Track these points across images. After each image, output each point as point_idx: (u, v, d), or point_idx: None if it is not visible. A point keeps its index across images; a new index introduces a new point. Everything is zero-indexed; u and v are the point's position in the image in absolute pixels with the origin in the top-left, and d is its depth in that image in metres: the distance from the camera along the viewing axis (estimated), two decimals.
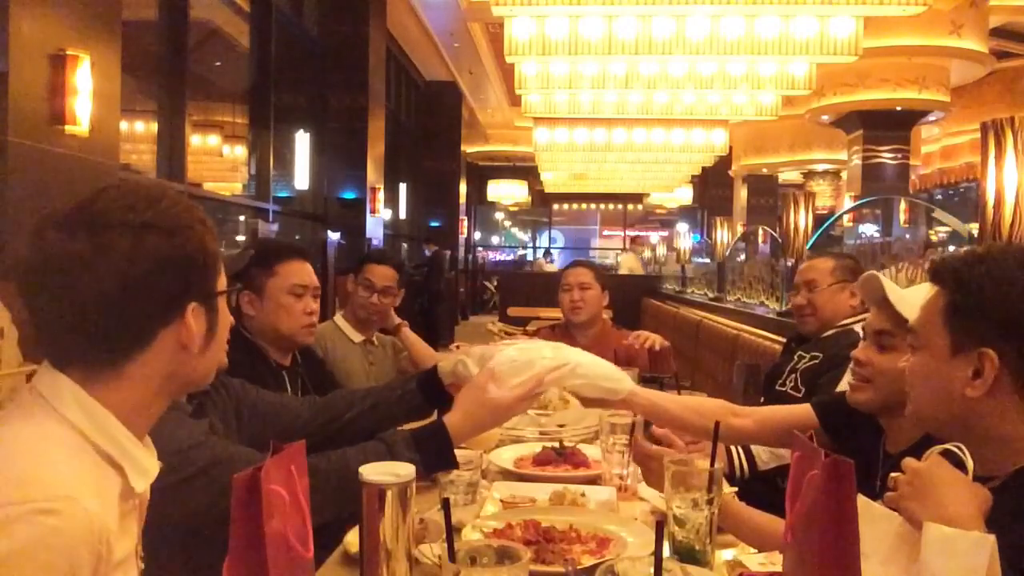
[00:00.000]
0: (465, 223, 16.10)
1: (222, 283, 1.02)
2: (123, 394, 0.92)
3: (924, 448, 1.13)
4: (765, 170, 14.60)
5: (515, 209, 22.94)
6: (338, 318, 3.01)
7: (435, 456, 1.41)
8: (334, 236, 7.92)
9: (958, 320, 1.14)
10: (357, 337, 2.96)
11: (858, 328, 2.36)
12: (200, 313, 0.97)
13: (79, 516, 0.81)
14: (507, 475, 1.89)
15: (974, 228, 3.74)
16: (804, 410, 1.80)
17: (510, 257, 23.52)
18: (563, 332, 3.25)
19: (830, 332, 2.45)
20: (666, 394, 1.73)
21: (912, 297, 1.45)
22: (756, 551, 1.42)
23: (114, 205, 0.92)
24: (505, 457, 1.99)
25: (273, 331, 2.14)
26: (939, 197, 15.07)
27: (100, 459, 0.89)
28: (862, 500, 0.95)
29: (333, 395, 1.86)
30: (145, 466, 0.94)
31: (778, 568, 1.22)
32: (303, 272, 2.17)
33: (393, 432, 1.46)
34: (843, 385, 2.12)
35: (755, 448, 2.14)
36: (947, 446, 1.07)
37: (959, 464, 1.05)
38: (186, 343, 0.95)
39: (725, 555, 1.41)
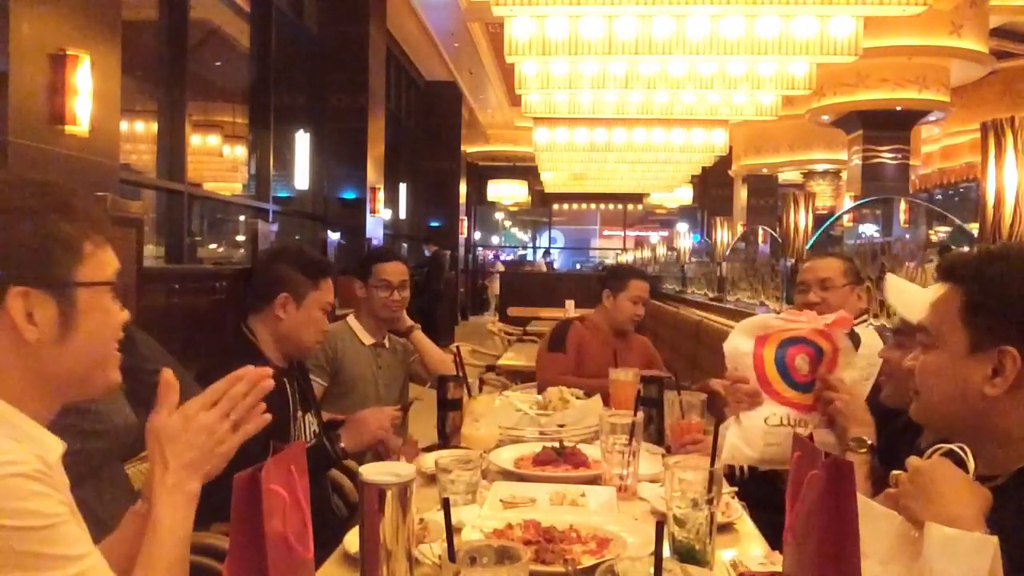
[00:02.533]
0: (465, 223, 16.11)
1: (90, 275, 0.99)
2: None
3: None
4: (765, 170, 14.61)
5: (515, 209, 22.95)
6: (351, 319, 2.98)
7: None
8: (334, 236, 7.92)
9: (977, 318, 1.12)
10: (368, 340, 2.94)
11: (858, 330, 2.36)
12: (43, 301, 0.94)
13: (28, 459, 0.87)
14: (507, 475, 1.89)
15: (974, 228, 3.74)
16: None
17: (509, 257, 23.55)
18: (598, 330, 3.36)
19: None
20: None
21: (911, 295, 1.46)
22: (756, 552, 1.42)
23: None
24: (505, 457, 1.99)
25: (295, 339, 2.17)
26: (939, 197, 15.07)
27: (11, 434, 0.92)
28: (862, 500, 0.95)
29: None
30: (48, 445, 0.95)
31: (778, 568, 1.22)
32: (332, 291, 2.24)
33: None
34: None
35: None
36: (950, 446, 1.07)
37: (960, 464, 1.05)
38: (18, 328, 0.93)
39: (725, 555, 1.41)
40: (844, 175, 12.71)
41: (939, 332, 1.18)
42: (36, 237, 0.94)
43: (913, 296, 1.47)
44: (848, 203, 10.83)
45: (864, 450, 1.46)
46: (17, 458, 0.87)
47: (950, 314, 1.15)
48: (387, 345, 3.02)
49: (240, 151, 7.56)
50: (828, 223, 6.25)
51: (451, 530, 1.06)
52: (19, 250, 0.93)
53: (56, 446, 0.97)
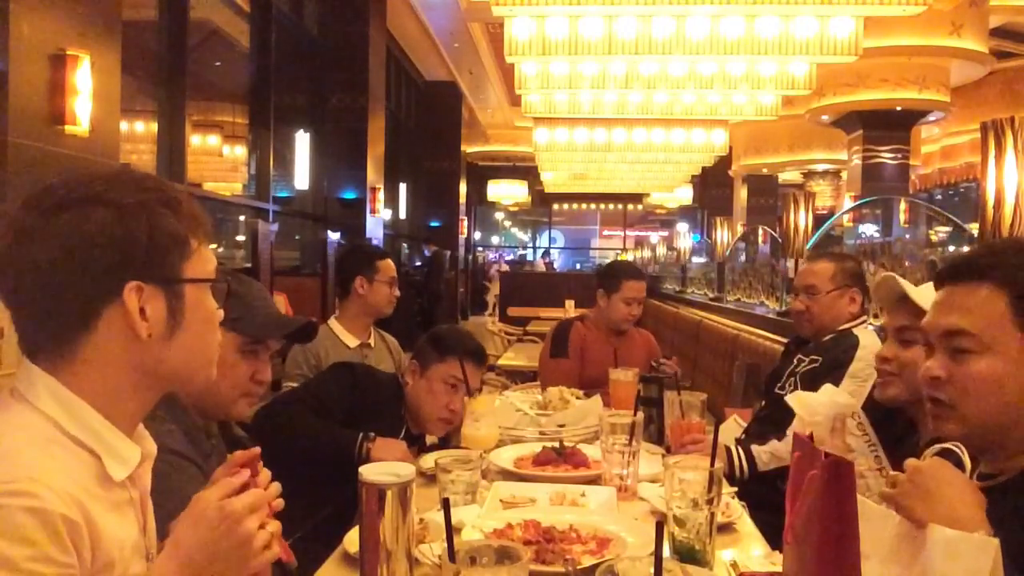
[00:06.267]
0: (465, 223, 16.09)
1: (196, 271, 0.98)
2: (90, 380, 0.91)
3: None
4: (765, 170, 14.60)
5: (515, 209, 22.92)
6: (333, 323, 2.94)
7: None
8: (334, 236, 7.92)
9: None
10: (353, 341, 2.90)
11: (857, 332, 2.35)
12: (154, 296, 0.93)
13: (43, 494, 0.81)
14: (507, 475, 1.89)
15: (974, 228, 3.74)
16: None
17: (509, 257, 23.54)
18: (599, 329, 3.35)
19: (829, 336, 2.43)
20: None
21: (928, 293, 1.46)
22: (756, 552, 1.42)
23: (74, 182, 0.92)
24: (505, 457, 1.99)
25: (415, 407, 2.22)
26: (939, 197, 15.06)
27: (73, 447, 0.89)
28: (862, 500, 0.95)
29: None
30: (124, 455, 0.93)
31: (778, 568, 1.22)
32: (458, 369, 2.17)
33: None
34: (842, 387, 2.12)
35: (755, 448, 2.15)
36: (945, 445, 1.07)
37: (957, 463, 1.05)
38: (132, 325, 0.92)
39: (725, 555, 1.41)
40: (844, 175, 12.70)
41: (987, 338, 1.10)
42: (149, 231, 0.93)
43: (920, 292, 1.47)
44: (848, 203, 10.82)
45: None
46: (41, 491, 0.81)
47: (998, 317, 1.08)
48: (372, 345, 2.97)
49: (240, 151, 7.56)
50: (828, 223, 6.23)
51: (451, 530, 1.07)
52: (133, 244, 0.91)
53: (132, 457, 0.94)
